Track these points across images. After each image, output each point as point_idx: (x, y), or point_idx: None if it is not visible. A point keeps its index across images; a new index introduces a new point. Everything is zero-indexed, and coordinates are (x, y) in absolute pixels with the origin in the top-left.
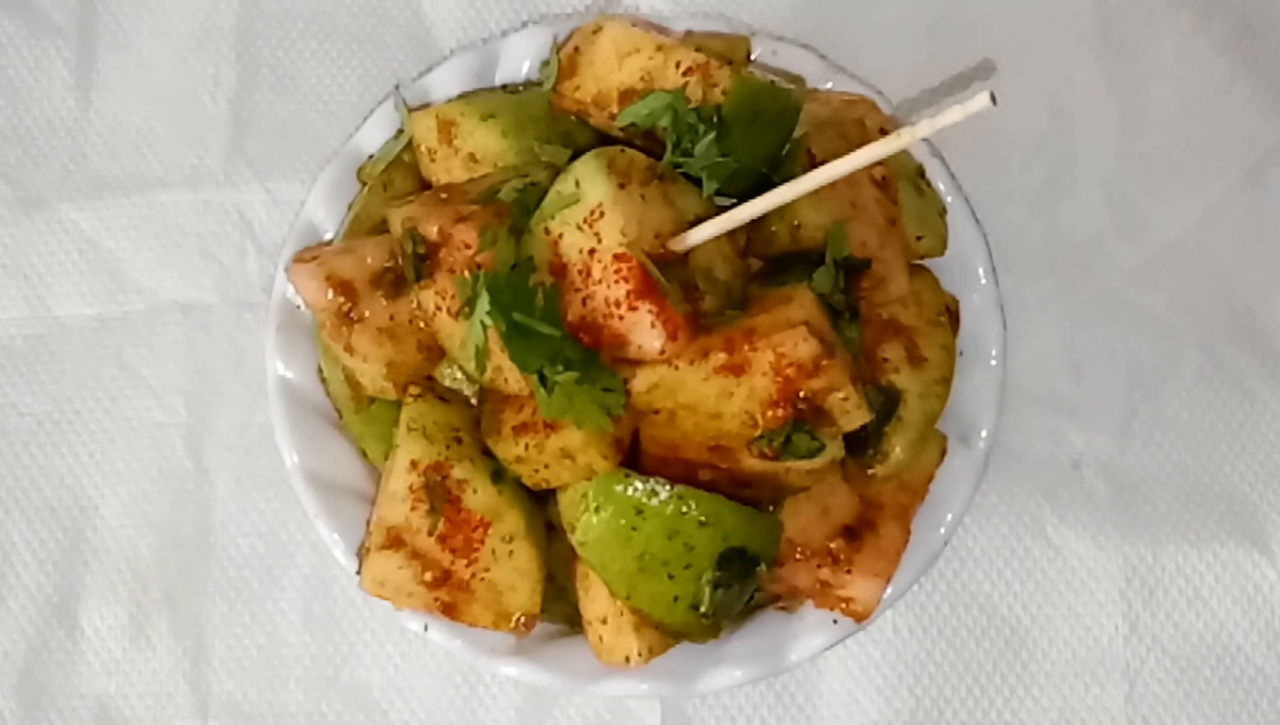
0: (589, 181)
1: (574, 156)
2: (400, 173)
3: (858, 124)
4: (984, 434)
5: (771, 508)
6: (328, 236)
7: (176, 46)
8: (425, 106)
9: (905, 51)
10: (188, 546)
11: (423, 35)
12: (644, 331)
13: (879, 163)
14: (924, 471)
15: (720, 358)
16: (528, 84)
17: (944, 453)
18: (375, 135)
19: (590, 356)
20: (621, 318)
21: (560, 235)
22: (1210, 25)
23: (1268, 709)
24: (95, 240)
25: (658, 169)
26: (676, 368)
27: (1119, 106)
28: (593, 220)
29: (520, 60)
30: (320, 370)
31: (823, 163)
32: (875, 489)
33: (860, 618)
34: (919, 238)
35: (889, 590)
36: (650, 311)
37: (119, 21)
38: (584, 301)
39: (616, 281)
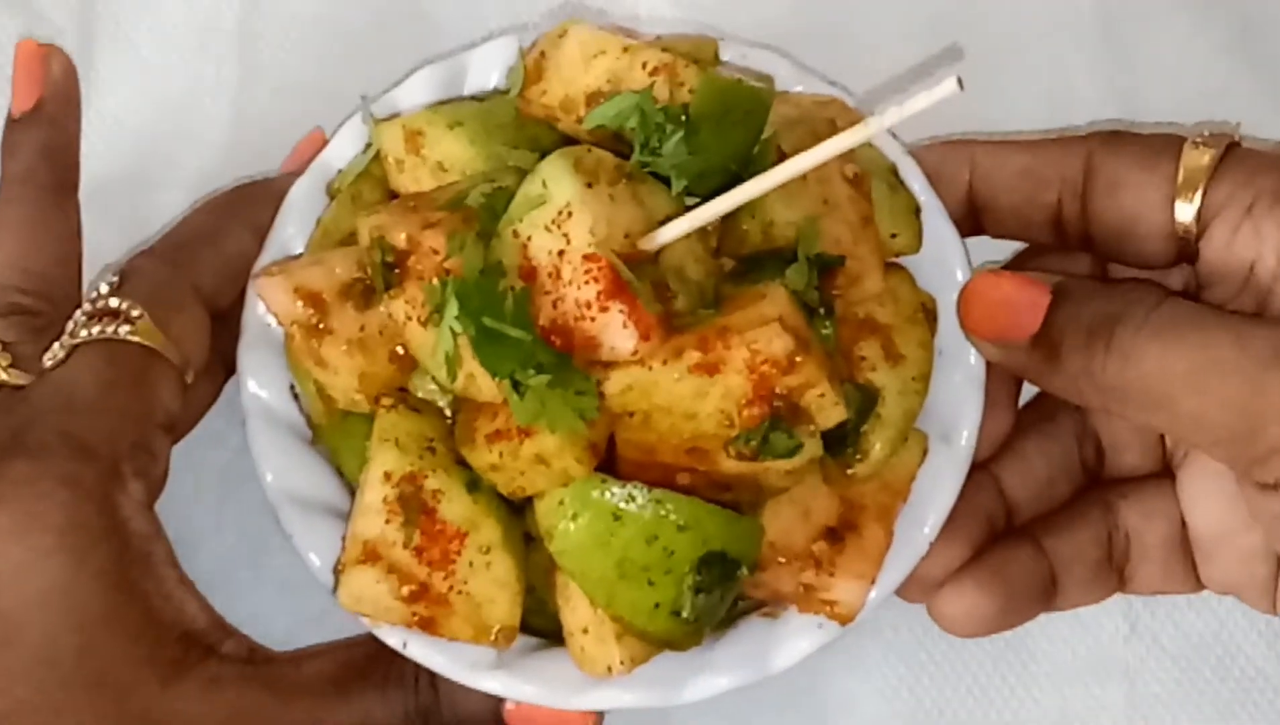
0: (555, 181)
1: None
2: (369, 185)
3: (829, 123)
4: (966, 433)
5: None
6: (298, 253)
7: (176, 46)
8: (393, 118)
9: (904, 52)
10: (187, 547)
11: (425, 37)
12: (615, 332)
13: (850, 161)
14: (905, 471)
15: (694, 357)
16: (496, 92)
17: (925, 452)
18: (344, 149)
19: (563, 360)
20: (593, 319)
21: (529, 237)
22: (1210, 25)
23: (1268, 709)
24: (95, 240)
25: (626, 168)
26: (650, 368)
27: (1119, 106)
28: (561, 221)
29: (489, 71)
30: (292, 387)
31: None
32: (856, 490)
33: (845, 620)
34: (893, 235)
35: (874, 592)
36: (621, 311)
37: (119, 21)
38: (554, 304)
39: (586, 282)
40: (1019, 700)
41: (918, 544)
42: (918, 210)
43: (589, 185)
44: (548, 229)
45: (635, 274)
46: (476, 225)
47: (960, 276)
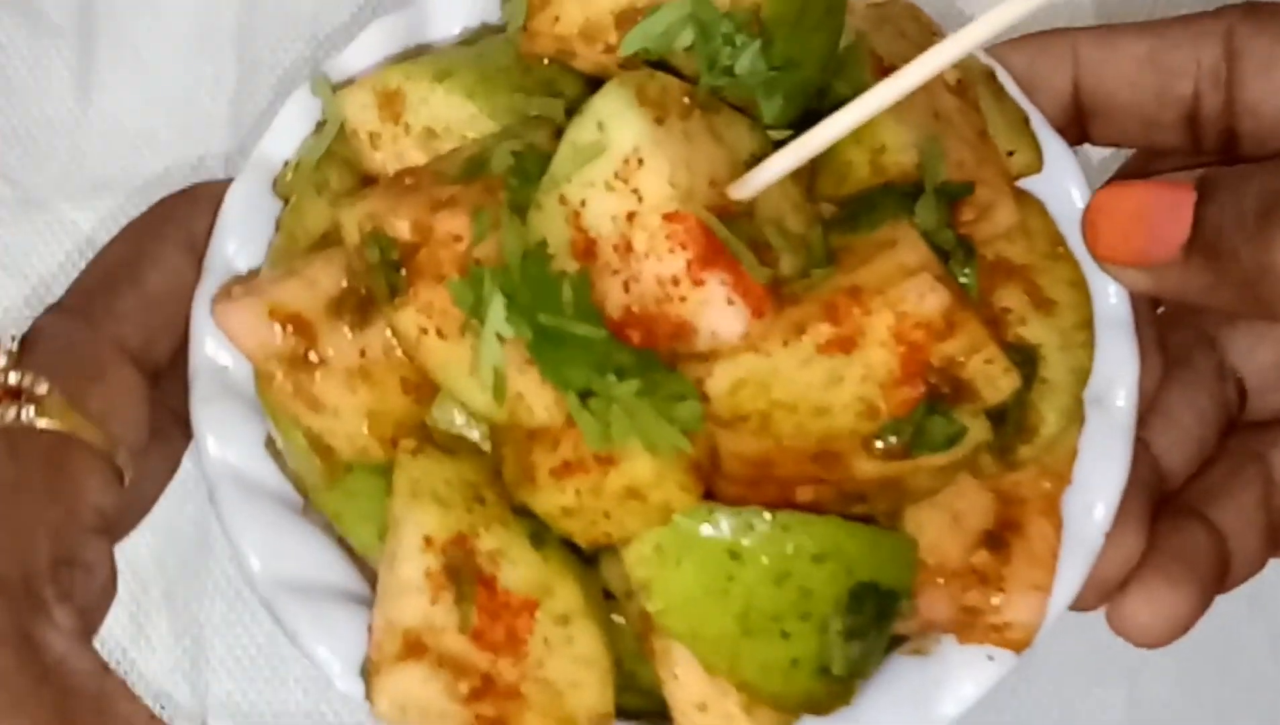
0: (616, 121)
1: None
2: (336, 170)
3: (913, 20)
4: (1123, 392)
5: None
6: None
7: (176, 46)
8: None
9: None
10: (187, 546)
11: None
12: (718, 311)
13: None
14: (1065, 448)
15: (823, 332)
16: (483, 30)
17: (1082, 421)
18: (288, 135)
19: (647, 358)
20: (684, 298)
21: (582, 203)
22: None
23: (1268, 709)
24: (95, 240)
25: (697, 96)
26: (768, 354)
27: None
28: (627, 173)
29: (454, 16)
30: (270, 442)
31: (893, 68)
32: (1010, 479)
33: (1021, 646)
34: (1010, 153)
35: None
36: (724, 283)
37: (119, 21)
38: (626, 286)
39: (671, 250)
40: (1019, 700)
41: (1090, 537)
42: (1027, 121)
43: (659, 121)
44: (609, 186)
45: (731, 232)
46: (506, 196)
47: (1078, 198)
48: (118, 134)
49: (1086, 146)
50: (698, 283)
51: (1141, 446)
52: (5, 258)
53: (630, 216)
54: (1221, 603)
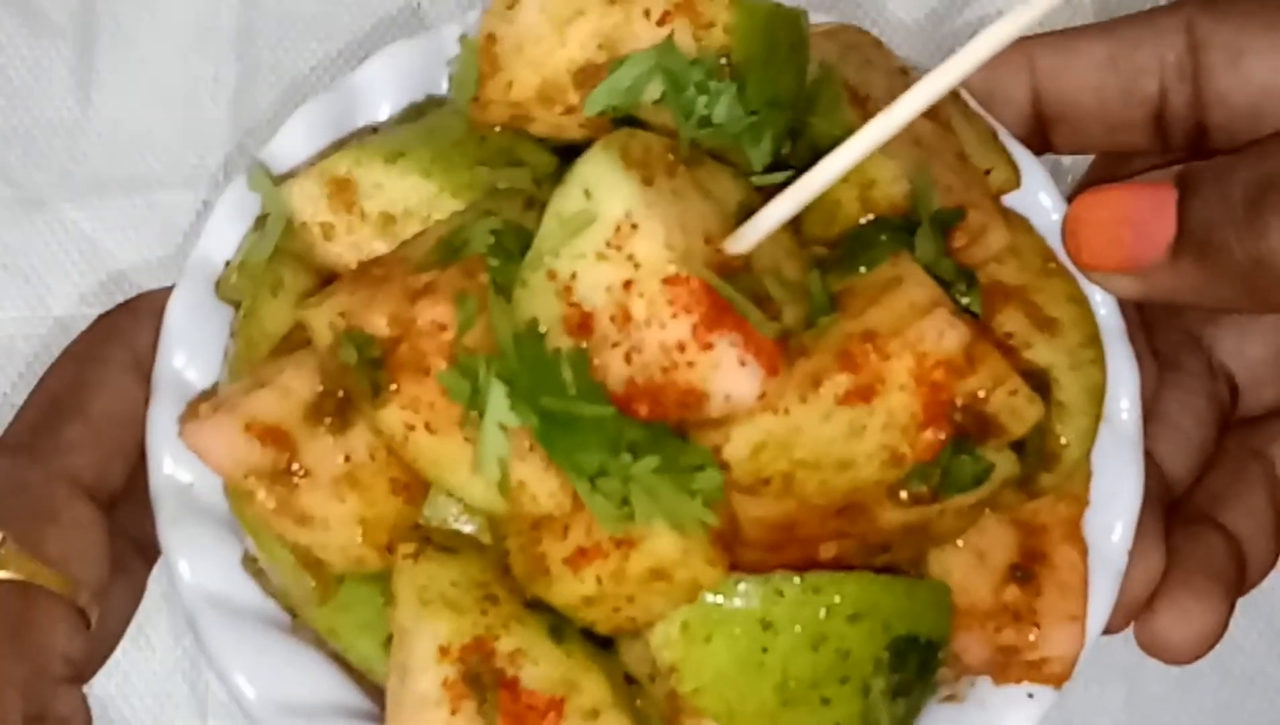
0: (604, 186)
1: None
2: (289, 268)
3: (874, 46)
4: (1126, 403)
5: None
6: (207, 388)
7: (176, 46)
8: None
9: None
10: None
11: None
12: (731, 374)
13: None
14: (1081, 470)
15: (841, 382)
16: (428, 103)
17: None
18: (224, 235)
19: (659, 431)
20: (692, 364)
21: (573, 275)
22: None
23: (1268, 709)
24: (95, 240)
25: (679, 151)
26: (785, 413)
27: None
28: (620, 240)
29: (384, 95)
30: (249, 560)
31: (868, 98)
32: (1030, 508)
33: (1061, 680)
34: (987, 171)
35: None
36: (734, 344)
37: (119, 21)
38: (627, 357)
39: (675, 315)
40: None
41: (1114, 558)
42: (995, 136)
43: (647, 182)
44: (601, 256)
45: (733, 288)
46: (488, 277)
47: (1053, 209)
48: (118, 134)
49: (1050, 156)
50: (706, 346)
51: (1146, 457)
52: (5, 257)
53: (627, 285)
54: None
